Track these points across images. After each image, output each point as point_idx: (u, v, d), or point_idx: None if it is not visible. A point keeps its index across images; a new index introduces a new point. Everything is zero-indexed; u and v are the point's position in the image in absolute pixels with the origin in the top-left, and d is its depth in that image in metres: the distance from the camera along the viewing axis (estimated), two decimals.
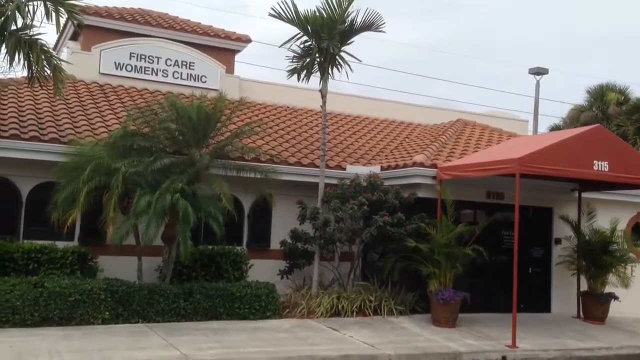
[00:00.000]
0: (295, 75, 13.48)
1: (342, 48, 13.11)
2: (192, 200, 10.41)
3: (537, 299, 14.26)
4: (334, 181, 13.37)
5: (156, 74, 16.74)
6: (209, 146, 11.78)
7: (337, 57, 13.08)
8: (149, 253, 11.56)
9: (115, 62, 16.44)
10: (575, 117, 29.08)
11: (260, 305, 11.28)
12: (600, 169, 11.30)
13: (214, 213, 10.85)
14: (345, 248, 13.31)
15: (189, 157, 10.91)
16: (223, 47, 18.24)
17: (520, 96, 72.86)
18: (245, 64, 43.41)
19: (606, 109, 28.43)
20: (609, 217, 14.19)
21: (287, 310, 11.95)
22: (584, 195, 14.27)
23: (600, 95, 29.71)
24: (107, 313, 10.28)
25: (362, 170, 13.73)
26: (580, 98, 35.32)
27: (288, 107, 18.57)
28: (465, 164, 12.14)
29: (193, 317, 10.85)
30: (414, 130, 18.53)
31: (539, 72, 29.66)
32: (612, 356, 10.92)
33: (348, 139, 16.59)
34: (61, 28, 11.63)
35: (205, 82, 17.15)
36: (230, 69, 18.16)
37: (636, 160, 11.78)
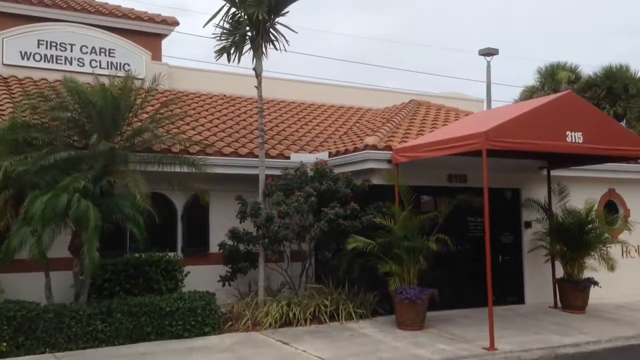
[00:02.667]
0: (226, 56, 11.78)
1: (276, 20, 11.48)
2: (101, 201, 8.61)
3: (509, 290, 12.94)
4: (278, 172, 11.74)
5: (70, 63, 14.74)
6: (122, 136, 9.98)
7: (270, 30, 11.43)
8: (64, 267, 9.75)
9: (21, 52, 14.37)
10: (528, 98, 28.31)
11: (197, 320, 9.54)
12: (574, 140, 10.00)
13: (133, 215, 9.12)
14: (295, 247, 11.71)
15: (94, 149, 9.03)
16: (147, 32, 16.37)
17: (473, 82, 72.66)
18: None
19: (558, 88, 27.61)
20: (580, 195, 13.02)
21: (230, 323, 10.25)
22: (553, 173, 13.02)
23: (551, 75, 29.11)
24: (4, 344, 8.39)
25: (308, 158, 12.12)
26: (531, 80, 34.68)
27: (225, 95, 16.81)
28: (423, 143, 10.68)
29: (114, 341, 9.05)
30: (365, 115, 17.05)
31: (489, 52, 28.69)
32: (602, 350, 9.62)
33: (292, 126, 14.95)
34: None
35: (128, 70, 15.17)
36: (157, 56, 16.29)
37: (612, 128, 10.56)
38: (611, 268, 12.02)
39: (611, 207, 14.33)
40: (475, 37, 56.97)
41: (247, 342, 9.36)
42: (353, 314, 10.73)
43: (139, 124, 10.42)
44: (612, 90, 25.41)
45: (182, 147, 11.37)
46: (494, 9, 57.97)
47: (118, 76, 10.83)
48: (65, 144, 9.67)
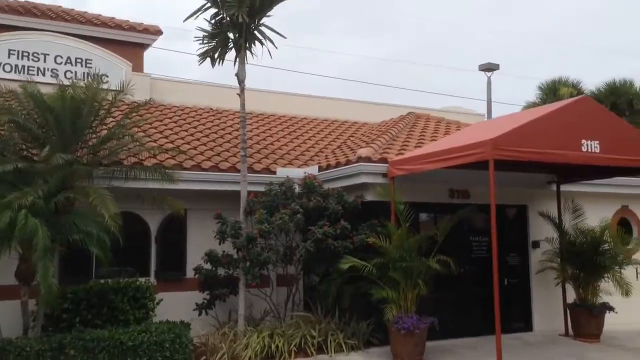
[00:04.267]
0: (210, 62, 10.81)
1: (261, 22, 10.51)
2: (56, 220, 7.55)
3: (515, 316, 11.81)
4: (262, 188, 10.69)
5: (43, 74, 13.77)
6: (85, 147, 8.96)
7: (255, 32, 10.47)
8: (16, 295, 8.65)
9: None
10: None
11: (164, 356, 8.38)
12: (590, 150, 8.95)
13: (96, 234, 8.03)
14: (282, 270, 10.61)
15: (49, 160, 7.98)
16: (128, 41, 15.41)
17: (474, 100, 71.78)
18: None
19: None
20: (591, 213, 11.92)
21: (204, 358, 9.11)
22: (563, 188, 11.97)
23: (553, 91, 28.12)
24: None
25: (296, 172, 11.07)
26: (532, 97, 33.82)
27: (212, 108, 15.85)
28: (422, 154, 9.64)
29: None
30: (360, 129, 16.08)
31: (489, 68, 27.91)
32: None
33: (281, 140, 13.95)
34: None
35: (107, 81, 14.21)
36: (138, 66, 15.33)
37: (632, 137, 9.49)
38: (626, 293, 10.88)
39: (624, 225, 13.24)
40: (476, 56, 56.33)
41: None
42: (343, 345, 9.61)
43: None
44: (616, 106, 24.39)
45: (156, 161, 10.36)
46: (494, 28, 57.38)
47: (88, 82, 9.85)
48: (20, 155, 8.65)
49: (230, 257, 10.12)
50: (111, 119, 10.32)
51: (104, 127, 9.59)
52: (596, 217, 11.72)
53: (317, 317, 10.04)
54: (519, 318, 11.87)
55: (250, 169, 11.07)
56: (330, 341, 9.61)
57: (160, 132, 12.55)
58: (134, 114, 9.81)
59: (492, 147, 8.13)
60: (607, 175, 11.33)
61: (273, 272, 10.61)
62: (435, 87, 56.02)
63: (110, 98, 9.55)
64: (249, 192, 10.35)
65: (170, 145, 11.50)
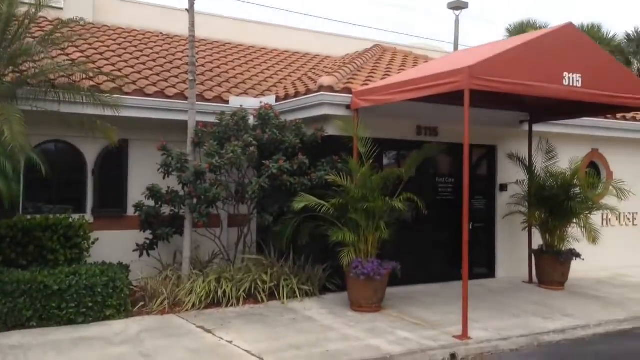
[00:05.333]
0: None
1: None
2: None
3: (479, 262, 11.26)
4: (213, 119, 9.66)
5: None
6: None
7: None
8: None
9: None
10: None
11: (95, 301, 7.51)
12: (571, 83, 8.18)
13: None
14: (233, 210, 9.73)
15: None
16: None
17: (441, 42, 70.46)
18: None
19: None
20: (563, 155, 11.28)
21: (142, 304, 8.28)
22: (535, 128, 11.28)
23: (521, 33, 27.30)
24: None
25: (250, 102, 10.06)
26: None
27: (162, 33, 14.51)
28: (390, 83, 8.72)
29: None
30: (323, 61, 15.00)
31: (458, 6, 26.83)
32: (591, 337, 8.01)
33: (237, 69, 12.81)
34: None
35: None
36: None
37: (614, 70, 8.75)
38: (593, 240, 10.37)
39: (594, 169, 12.72)
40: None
41: (160, 328, 7.41)
42: (297, 292, 8.89)
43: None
44: None
45: (94, 84, 9.20)
46: None
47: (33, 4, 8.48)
48: None
49: (176, 193, 9.16)
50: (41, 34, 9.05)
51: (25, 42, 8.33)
52: (567, 160, 11.11)
53: (269, 261, 9.25)
54: (482, 264, 11.34)
55: (201, 97, 10.00)
56: (283, 286, 8.88)
57: (101, 54, 11.28)
58: (63, 29, 8.55)
59: (469, 76, 7.26)
60: (584, 113, 10.71)
61: (224, 212, 9.73)
62: (402, 28, 54.61)
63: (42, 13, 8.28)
64: (198, 122, 9.32)
65: (111, 68, 10.29)
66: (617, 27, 48.55)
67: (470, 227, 10.82)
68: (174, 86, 10.23)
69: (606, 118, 12.20)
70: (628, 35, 24.87)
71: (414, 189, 9.30)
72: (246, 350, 6.59)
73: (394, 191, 8.84)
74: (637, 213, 13.07)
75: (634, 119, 12.69)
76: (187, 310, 8.19)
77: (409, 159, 9.37)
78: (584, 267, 11.06)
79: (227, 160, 8.55)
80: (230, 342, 6.90)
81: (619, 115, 12.46)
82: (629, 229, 13.09)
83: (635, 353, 7.40)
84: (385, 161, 10.30)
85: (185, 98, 9.59)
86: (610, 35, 24.46)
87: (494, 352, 7.22)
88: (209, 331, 7.32)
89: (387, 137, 9.96)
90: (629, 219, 13.08)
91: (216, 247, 9.78)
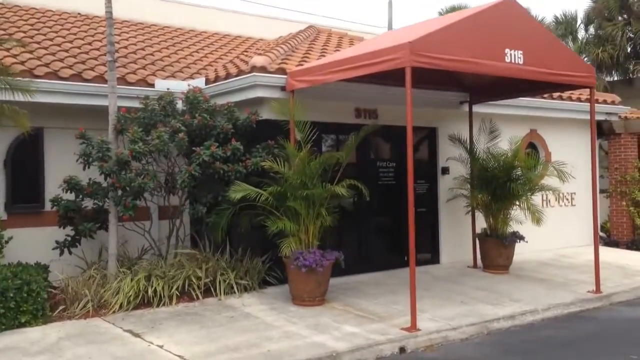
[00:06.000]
0: None
1: None
2: None
3: (423, 248, 10.89)
4: (138, 104, 8.88)
5: None
6: None
7: None
8: None
9: None
10: None
11: (8, 307, 6.70)
12: (513, 60, 7.91)
13: None
14: (164, 202, 9.03)
15: None
16: None
17: (375, 28, 70.46)
18: None
19: None
20: (502, 136, 11.09)
21: (63, 307, 7.50)
22: (475, 109, 11.04)
23: None
24: None
25: (178, 86, 9.33)
26: None
27: (80, 14, 13.47)
28: (327, 62, 8.22)
29: None
30: (256, 43, 14.34)
31: None
32: (541, 322, 7.83)
33: (164, 51, 11.99)
34: None
35: None
36: None
37: (556, 48, 8.55)
38: (537, 221, 10.24)
39: (533, 150, 12.65)
40: None
41: (82, 334, 6.67)
42: (235, 287, 8.30)
43: None
44: None
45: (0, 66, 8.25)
46: None
47: None
48: None
49: (98, 185, 8.37)
50: None
51: None
52: (507, 142, 10.92)
53: (204, 255, 8.61)
54: (426, 250, 11.04)
55: (123, 81, 9.21)
56: (220, 282, 8.27)
57: (10, 35, 10.24)
58: None
59: (410, 52, 6.84)
60: (524, 93, 10.54)
61: (154, 204, 9.01)
62: (336, 13, 54.21)
63: None
64: (120, 108, 8.54)
65: (22, 50, 9.33)
66: (546, 11, 49.81)
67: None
68: (92, 69, 9.37)
69: (543, 98, 12.12)
70: (556, 17, 25.35)
71: (355, 174, 8.89)
72: (178, 356, 5.97)
73: (333, 178, 8.36)
74: (575, 193, 13.10)
75: (570, 98, 12.68)
76: (114, 312, 7.47)
77: (347, 142, 8.91)
78: (526, 248, 10.96)
79: (152, 147, 7.84)
80: (161, 346, 6.26)
81: (555, 95, 12.42)
82: (568, 209, 13.14)
83: (585, 337, 7.22)
84: (324, 146, 9.81)
85: (106, 81, 8.76)
86: (540, 18, 24.81)
87: (444, 343, 6.88)
88: (137, 335, 6.65)
89: (325, 121, 9.47)
90: (567, 199, 13.11)
91: (146, 242, 9.06)
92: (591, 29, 25.54)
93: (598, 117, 12.62)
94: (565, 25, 25.11)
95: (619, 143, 13.44)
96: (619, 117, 13.81)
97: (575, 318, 8.10)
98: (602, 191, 13.53)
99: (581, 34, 25.46)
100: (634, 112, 15.05)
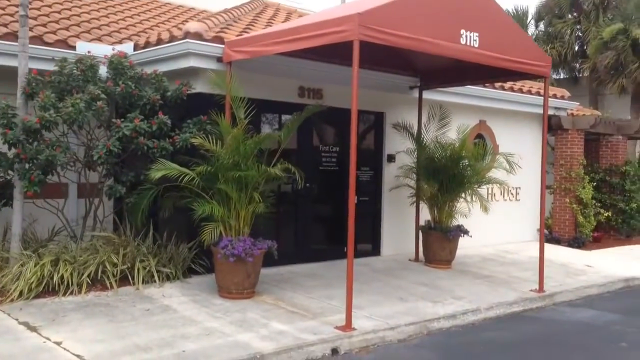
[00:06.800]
0: None
1: None
2: None
3: (363, 239, 10.42)
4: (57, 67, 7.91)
5: None
6: None
7: None
8: None
9: None
10: None
11: None
12: (469, 42, 7.36)
13: None
14: (79, 177, 8.12)
15: None
16: None
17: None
18: None
19: None
20: (453, 126, 10.61)
21: None
22: (425, 95, 10.52)
23: None
24: None
25: (102, 49, 8.38)
26: None
27: None
28: (269, 32, 7.49)
29: None
30: (199, 14, 13.39)
31: None
32: (482, 322, 7.38)
33: (93, 13, 10.94)
34: None
35: None
36: None
37: (513, 34, 8.06)
38: (485, 209, 9.86)
39: (481, 141, 12.26)
40: None
41: None
42: (156, 275, 7.51)
43: None
44: None
45: None
46: None
47: None
48: None
49: (3, 155, 7.40)
50: None
51: None
52: (456, 132, 10.44)
53: (122, 239, 7.77)
54: (367, 241, 10.52)
55: (40, 40, 8.23)
56: (139, 269, 7.46)
57: None
58: None
59: (359, 25, 6.18)
60: (476, 80, 10.07)
61: (72, 181, 8.10)
62: None
63: None
64: (32, 70, 7.55)
65: None
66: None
67: (355, 201, 10.00)
68: (6, 25, 8.32)
69: (494, 88, 11.73)
70: (508, 12, 25.17)
71: (295, 158, 8.25)
72: (77, 355, 5.17)
73: (270, 160, 7.65)
74: (520, 188, 12.82)
75: (520, 90, 12.34)
76: (11, 300, 6.58)
77: (288, 122, 8.22)
78: (468, 243, 10.54)
79: (65, 116, 6.92)
80: (59, 343, 5.45)
81: (506, 87, 12.06)
82: (512, 204, 12.85)
83: (528, 339, 6.79)
84: (264, 126, 9.08)
85: (15, 38, 7.74)
86: None
87: (381, 344, 6.32)
88: (33, 329, 5.80)
89: (266, 98, 8.74)
90: (512, 193, 12.81)
91: (60, 222, 8.15)
92: (541, 26, 25.63)
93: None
94: (517, 20, 24.92)
95: (566, 139, 13.20)
96: (567, 113, 13.60)
97: (518, 318, 7.69)
98: (546, 187, 13.30)
99: (531, 29, 25.48)
100: (581, 109, 14.94)
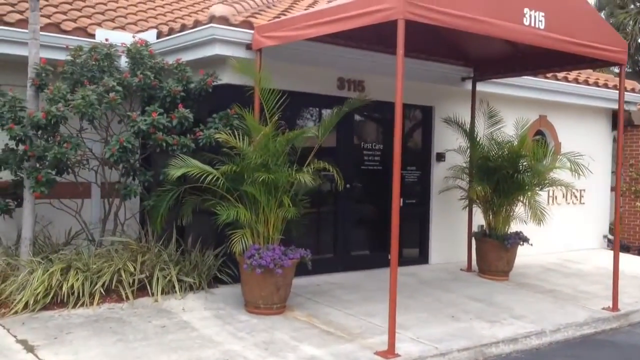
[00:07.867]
0: None
1: None
2: None
3: (411, 245, 9.48)
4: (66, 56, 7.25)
5: None
6: None
7: None
8: None
9: None
10: None
11: None
12: (533, 24, 6.35)
13: None
14: (99, 177, 7.46)
15: None
16: None
17: None
18: None
19: None
20: (508, 122, 9.52)
21: None
22: (479, 88, 9.49)
23: None
24: None
25: (122, 37, 7.68)
26: None
27: None
28: (301, 15, 6.64)
29: None
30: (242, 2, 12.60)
31: None
32: (548, 347, 6.36)
33: (121, 2, 10.25)
34: None
35: None
36: None
37: (583, 12, 6.99)
38: (539, 221, 8.71)
39: (542, 138, 11.10)
40: None
41: None
42: (177, 285, 6.75)
43: None
44: None
45: None
46: None
47: None
48: None
49: (12, 152, 6.77)
50: None
51: None
52: (512, 128, 9.36)
53: (142, 245, 7.05)
54: (413, 248, 9.57)
55: (56, 28, 7.58)
56: (159, 278, 6.72)
57: None
58: None
59: (405, 1, 5.27)
60: (541, 68, 8.90)
61: (95, 180, 7.45)
62: None
63: None
64: (42, 59, 6.90)
65: None
66: None
67: (401, 203, 9.06)
68: (21, 12, 7.72)
69: (556, 80, 10.57)
70: None
71: (334, 157, 7.38)
72: None
73: (304, 161, 6.79)
74: (584, 190, 11.60)
75: (586, 82, 11.13)
76: (15, 313, 5.93)
77: (327, 117, 7.35)
78: (526, 250, 9.42)
79: (74, 109, 6.23)
80: None
81: (571, 78, 10.89)
82: (576, 208, 11.64)
83: None
84: (298, 121, 8.24)
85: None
86: None
87: None
88: (31, 349, 5.11)
89: (301, 90, 7.89)
90: (576, 196, 11.60)
91: (79, 225, 7.50)
92: (602, 16, 24.05)
93: (615, 106, 11.05)
94: None
95: (637, 136, 11.92)
96: (637, 107, 12.29)
97: (590, 342, 6.62)
98: (611, 189, 12.08)
99: None
100: None
